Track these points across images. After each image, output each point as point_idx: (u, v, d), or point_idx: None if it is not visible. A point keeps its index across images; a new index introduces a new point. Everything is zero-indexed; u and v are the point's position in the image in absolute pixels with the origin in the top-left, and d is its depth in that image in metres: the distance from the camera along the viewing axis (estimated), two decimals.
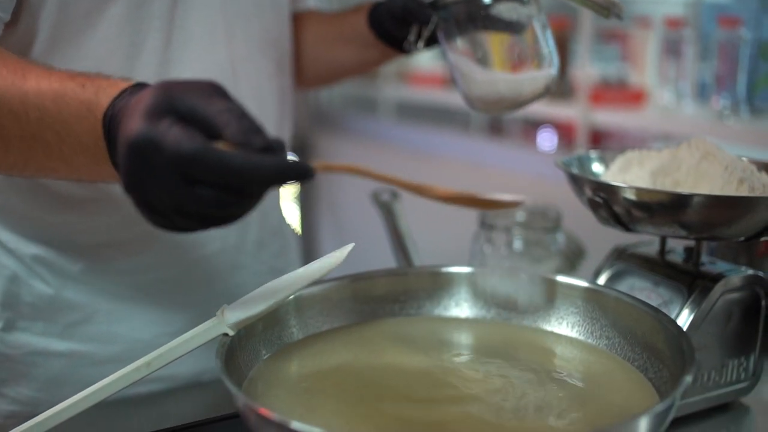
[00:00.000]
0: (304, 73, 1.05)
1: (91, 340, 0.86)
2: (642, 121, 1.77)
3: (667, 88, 1.75)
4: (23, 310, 0.85)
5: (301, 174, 0.51)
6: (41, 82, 0.62)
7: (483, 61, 0.84)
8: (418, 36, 0.88)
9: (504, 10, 0.84)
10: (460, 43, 0.86)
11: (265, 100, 0.91)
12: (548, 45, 0.84)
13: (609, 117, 1.78)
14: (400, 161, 2.27)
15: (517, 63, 0.86)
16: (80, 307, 0.86)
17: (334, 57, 1.04)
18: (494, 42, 0.85)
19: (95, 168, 0.61)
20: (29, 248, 0.84)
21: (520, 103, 0.87)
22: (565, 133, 2.16)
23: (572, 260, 1.00)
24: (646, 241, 0.83)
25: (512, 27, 0.85)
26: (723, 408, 0.77)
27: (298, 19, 1.03)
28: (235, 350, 0.62)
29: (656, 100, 1.79)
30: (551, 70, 0.85)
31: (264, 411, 0.51)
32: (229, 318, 0.61)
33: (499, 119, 2.34)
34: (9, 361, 0.86)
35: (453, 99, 2.30)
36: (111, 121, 0.57)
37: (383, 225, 0.95)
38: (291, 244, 1.02)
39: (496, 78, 0.85)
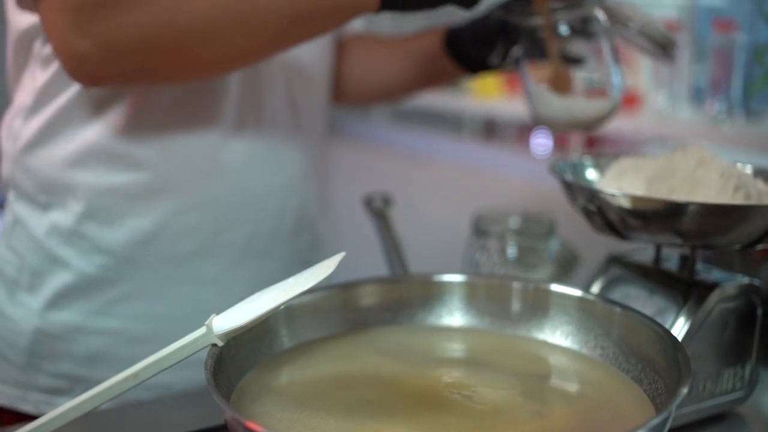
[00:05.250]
0: (352, 88, 1.11)
1: (130, 318, 0.88)
2: (637, 125, 1.77)
3: (662, 91, 1.75)
4: (64, 290, 0.87)
5: None
6: None
7: (553, 83, 0.92)
8: (504, 54, 0.97)
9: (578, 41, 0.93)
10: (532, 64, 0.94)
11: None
12: (615, 75, 0.91)
13: None
14: (394, 165, 2.26)
15: (584, 89, 0.93)
16: (119, 285, 0.87)
17: (394, 75, 1.09)
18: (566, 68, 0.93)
19: None
20: (78, 226, 0.87)
21: (584, 126, 0.94)
22: (560, 136, 2.15)
23: (566, 267, 0.99)
24: (640, 248, 0.83)
25: (583, 58, 0.94)
26: (718, 418, 0.76)
27: (347, 44, 1.10)
28: (224, 361, 0.61)
29: (651, 103, 1.79)
30: (615, 98, 0.92)
31: (251, 424, 0.50)
32: (218, 328, 0.60)
33: (493, 123, 2.34)
34: (49, 338, 0.88)
35: (447, 102, 2.30)
36: None
37: (375, 232, 0.94)
38: (324, 241, 1.04)
39: (565, 102, 0.91)
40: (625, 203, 0.71)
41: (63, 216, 0.87)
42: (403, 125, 2.49)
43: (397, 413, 0.60)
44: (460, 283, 0.74)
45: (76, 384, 0.88)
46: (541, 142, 2.23)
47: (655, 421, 0.50)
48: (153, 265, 0.88)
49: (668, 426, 0.53)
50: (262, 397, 0.62)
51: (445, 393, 0.63)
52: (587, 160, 0.86)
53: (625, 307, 0.67)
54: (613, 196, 0.72)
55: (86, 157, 0.86)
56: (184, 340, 0.60)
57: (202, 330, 0.60)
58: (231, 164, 0.90)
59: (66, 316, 0.88)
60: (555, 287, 0.72)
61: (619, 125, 1.80)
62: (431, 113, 2.43)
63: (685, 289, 0.74)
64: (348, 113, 2.64)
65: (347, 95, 1.12)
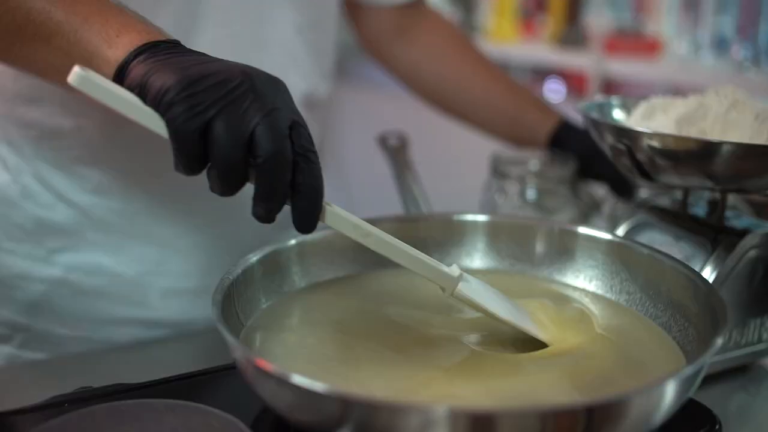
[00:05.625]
0: (414, 72, 1.07)
1: (74, 270, 0.83)
2: (657, 72, 1.72)
3: (685, 37, 1.70)
4: (11, 232, 0.83)
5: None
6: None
7: None
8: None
9: None
10: None
11: (293, 53, 0.87)
12: None
13: (623, 67, 1.73)
14: (407, 110, 2.22)
15: None
16: (67, 233, 0.82)
17: (472, 106, 1.06)
18: None
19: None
20: (28, 166, 0.81)
21: None
22: (574, 83, 2.11)
23: (586, 212, 0.96)
24: (661, 194, 0.80)
25: None
26: (741, 370, 0.74)
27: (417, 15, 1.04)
28: (231, 297, 0.58)
29: (673, 50, 1.74)
30: None
31: (262, 362, 0.48)
32: (461, 287, 0.58)
33: (507, 67, 2.28)
34: None
35: None
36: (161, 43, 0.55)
37: (390, 172, 0.91)
38: None
39: None
40: (656, 142, 0.68)
41: (13, 155, 0.81)
42: None
43: (409, 359, 0.57)
44: (481, 223, 0.71)
45: (15, 332, 0.83)
46: (554, 88, 2.19)
47: (689, 370, 0.48)
48: (104, 217, 0.82)
49: (701, 377, 0.50)
50: (272, 335, 0.59)
51: (462, 336, 0.60)
52: (614, 100, 0.82)
53: (653, 250, 0.64)
54: (643, 134, 0.68)
55: (40, 93, 0.79)
56: (434, 262, 0.59)
57: (456, 271, 0.59)
58: None
59: (11, 260, 0.83)
60: (581, 229, 0.69)
61: (638, 71, 1.75)
62: None
63: (714, 235, 0.71)
64: (358, 55, 2.58)
65: (398, 68, 1.08)
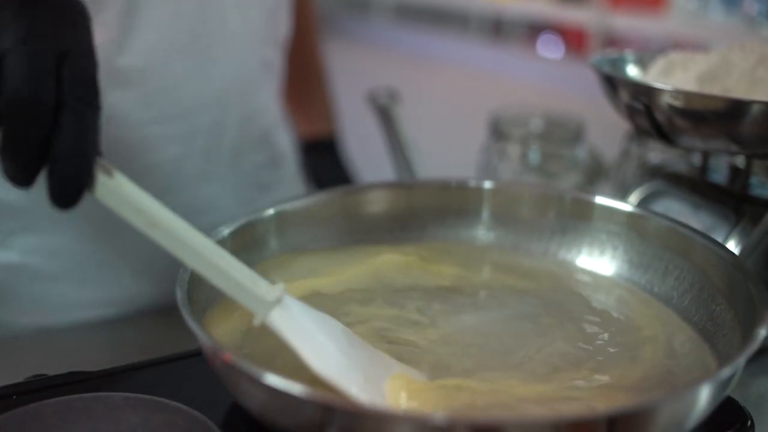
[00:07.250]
0: None
1: (34, 252, 0.75)
2: (663, 27, 1.64)
3: None
4: None
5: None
6: None
7: None
8: None
9: None
10: None
11: None
12: None
13: (625, 22, 1.66)
14: (395, 66, 2.14)
15: None
16: (20, 213, 0.74)
17: None
18: None
19: None
20: None
21: None
22: (573, 39, 2.04)
23: (591, 177, 0.89)
24: (676, 160, 0.73)
25: None
26: (762, 353, 0.67)
27: None
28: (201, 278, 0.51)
29: (679, 3, 1.66)
30: None
31: (229, 357, 0.41)
32: (274, 315, 0.45)
33: (500, 22, 2.20)
34: None
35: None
36: None
37: (380, 132, 0.83)
38: (284, 156, 0.90)
39: None
40: (678, 101, 0.61)
41: None
42: (405, 24, 2.36)
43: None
44: (485, 191, 0.64)
45: None
46: (549, 44, 2.12)
47: (725, 372, 0.41)
48: None
49: (737, 377, 0.43)
50: (244, 323, 0.53)
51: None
52: (628, 55, 0.75)
53: (677, 223, 0.58)
54: (663, 92, 0.61)
55: None
56: (246, 276, 0.45)
57: (274, 294, 0.45)
58: (142, 73, 0.72)
59: None
60: (598, 199, 0.62)
61: (642, 27, 1.68)
62: (435, 11, 2.30)
63: (737, 204, 0.65)
64: (347, 10, 2.50)
65: None
